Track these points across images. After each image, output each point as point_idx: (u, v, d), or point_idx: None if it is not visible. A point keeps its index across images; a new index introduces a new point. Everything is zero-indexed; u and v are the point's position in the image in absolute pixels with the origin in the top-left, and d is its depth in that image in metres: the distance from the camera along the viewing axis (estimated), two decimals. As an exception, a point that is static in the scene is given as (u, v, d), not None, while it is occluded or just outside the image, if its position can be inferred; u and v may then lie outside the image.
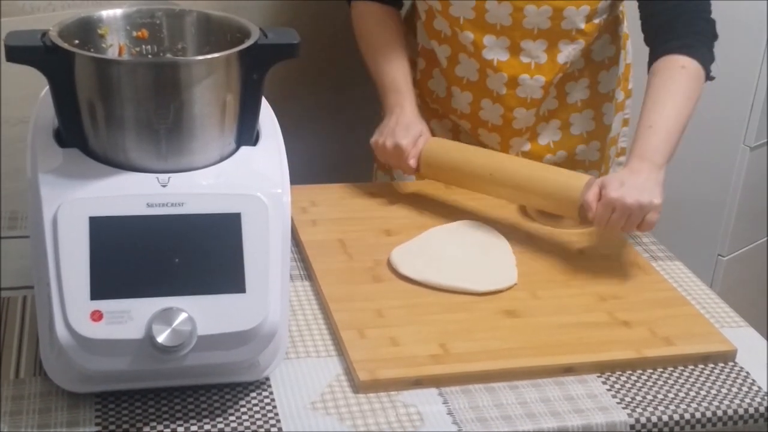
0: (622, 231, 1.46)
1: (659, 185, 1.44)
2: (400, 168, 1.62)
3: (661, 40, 1.58)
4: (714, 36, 1.59)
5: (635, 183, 1.41)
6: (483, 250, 1.50)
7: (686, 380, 1.26)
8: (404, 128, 1.61)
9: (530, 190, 1.51)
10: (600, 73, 1.74)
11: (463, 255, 1.47)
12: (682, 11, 1.57)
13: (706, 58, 1.56)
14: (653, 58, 1.58)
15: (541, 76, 1.65)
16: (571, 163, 1.79)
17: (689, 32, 1.56)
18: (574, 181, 1.47)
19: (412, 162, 1.59)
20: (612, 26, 1.72)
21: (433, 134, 1.78)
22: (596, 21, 1.63)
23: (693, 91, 1.54)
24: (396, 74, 1.68)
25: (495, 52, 1.64)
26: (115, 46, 1.21)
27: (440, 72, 1.75)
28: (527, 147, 1.75)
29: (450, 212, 1.63)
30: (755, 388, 1.25)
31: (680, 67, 1.54)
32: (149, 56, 1.23)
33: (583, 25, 1.62)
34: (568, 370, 1.25)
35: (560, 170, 1.52)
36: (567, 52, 1.64)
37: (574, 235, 1.58)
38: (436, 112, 1.80)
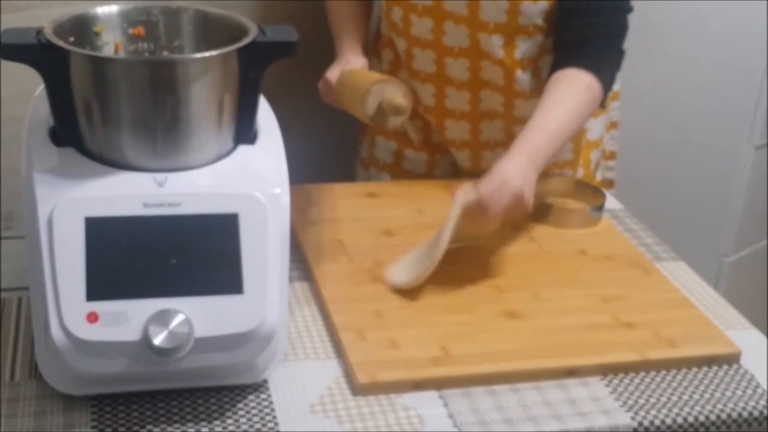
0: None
1: (519, 175, 1.40)
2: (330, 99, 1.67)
3: (574, 54, 1.55)
4: (619, 62, 1.59)
5: (499, 173, 1.39)
6: None
7: (690, 383, 1.25)
8: (336, 64, 1.67)
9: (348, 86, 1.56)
10: None
11: None
12: (597, 35, 1.55)
13: (607, 86, 1.56)
14: (558, 68, 1.56)
15: (500, 68, 1.64)
16: None
17: (601, 56, 1.56)
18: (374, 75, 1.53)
19: (329, 73, 1.65)
20: None
21: (405, 136, 1.81)
22: (549, 10, 1.60)
23: (587, 110, 1.53)
24: (346, 27, 1.73)
25: (455, 39, 1.63)
26: (111, 44, 1.20)
27: (404, 64, 1.74)
28: (501, 136, 1.74)
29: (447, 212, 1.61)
30: (759, 390, 1.24)
31: (587, 86, 1.52)
32: (146, 54, 1.22)
33: (541, 22, 1.60)
34: (571, 372, 1.24)
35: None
36: (524, 49, 1.63)
37: (576, 236, 1.57)
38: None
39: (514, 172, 1.39)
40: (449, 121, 1.74)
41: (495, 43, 1.60)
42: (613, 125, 1.85)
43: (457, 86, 1.68)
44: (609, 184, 1.88)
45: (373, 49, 1.85)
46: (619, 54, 1.58)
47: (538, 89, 1.68)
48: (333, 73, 1.64)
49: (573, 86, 1.52)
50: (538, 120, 1.48)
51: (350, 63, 1.64)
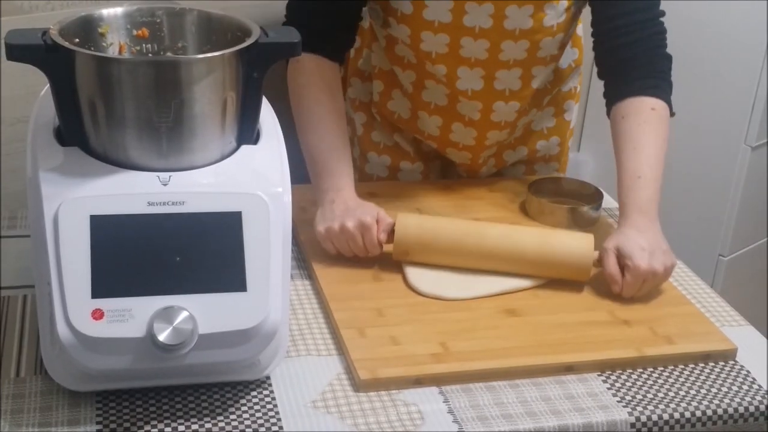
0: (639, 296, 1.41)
1: (664, 240, 1.43)
2: (367, 248, 1.42)
3: (626, 80, 1.54)
4: (670, 70, 1.56)
5: (654, 246, 1.39)
6: None
7: (687, 379, 1.26)
8: (359, 207, 1.44)
9: (539, 262, 1.41)
10: (565, 77, 1.75)
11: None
12: (643, 48, 1.53)
13: (669, 97, 1.54)
14: (617, 98, 1.54)
15: (515, 102, 1.63)
16: (530, 157, 1.80)
17: (652, 72, 1.54)
18: (582, 245, 1.41)
19: (383, 236, 1.42)
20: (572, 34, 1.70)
21: (398, 148, 1.77)
22: (565, 41, 1.62)
23: (666, 133, 1.52)
24: (335, 151, 1.50)
25: (469, 82, 1.60)
26: (115, 45, 1.21)
27: (403, 94, 1.70)
28: (492, 151, 1.74)
29: (449, 212, 1.63)
30: (755, 386, 1.25)
31: (650, 110, 1.51)
32: (149, 55, 1.22)
33: (557, 51, 1.61)
34: (569, 368, 1.25)
35: (563, 233, 1.45)
36: (541, 77, 1.63)
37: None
38: (397, 127, 1.76)
39: (647, 245, 1.38)
40: (451, 150, 1.73)
41: (513, 76, 1.59)
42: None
43: (465, 123, 1.66)
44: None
45: (353, 71, 1.79)
46: (667, 59, 1.55)
47: (537, 97, 1.69)
48: (373, 218, 1.41)
49: (641, 118, 1.50)
50: (632, 171, 1.47)
51: (380, 211, 1.44)
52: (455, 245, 1.41)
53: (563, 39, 1.59)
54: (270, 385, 1.19)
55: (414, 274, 1.41)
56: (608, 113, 1.56)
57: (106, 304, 1.05)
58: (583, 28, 1.71)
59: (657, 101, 1.52)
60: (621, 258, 1.38)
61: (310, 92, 1.53)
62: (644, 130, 1.49)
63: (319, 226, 1.44)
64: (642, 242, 1.38)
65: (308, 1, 1.54)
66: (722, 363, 1.30)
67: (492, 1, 1.49)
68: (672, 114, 1.54)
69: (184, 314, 1.06)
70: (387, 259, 1.45)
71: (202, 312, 1.07)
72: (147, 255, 1.08)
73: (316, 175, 1.49)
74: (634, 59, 1.53)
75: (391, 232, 1.42)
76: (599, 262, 1.41)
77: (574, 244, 1.41)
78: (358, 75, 1.78)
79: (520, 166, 1.82)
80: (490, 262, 1.41)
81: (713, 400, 1.22)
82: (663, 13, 1.55)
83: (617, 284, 1.38)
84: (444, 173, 1.83)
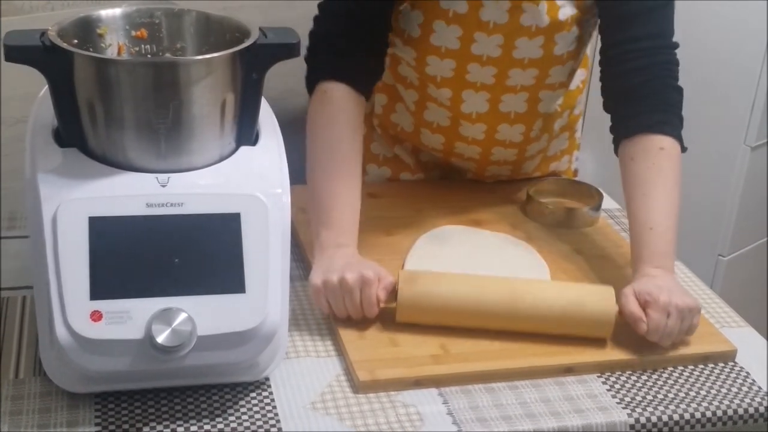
0: (669, 340, 1.29)
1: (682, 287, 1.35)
2: (363, 306, 1.28)
3: (633, 112, 1.44)
4: (681, 104, 1.44)
5: (672, 287, 1.30)
6: (496, 252, 1.50)
7: (686, 380, 1.26)
8: (360, 262, 1.33)
9: (560, 320, 1.28)
10: (574, 99, 1.71)
11: (484, 262, 1.46)
12: (652, 76, 1.43)
13: (679, 132, 1.43)
14: (624, 133, 1.44)
15: (521, 124, 1.60)
16: (542, 175, 1.78)
17: (661, 105, 1.43)
18: (605, 300, 1.29)
19: (383, 294, 1.29)
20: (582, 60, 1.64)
21: (399, 160, 1.74)
22: (575, 66, 1.58)
23: (678, 175, 1.41)
24: (345, 204, 1.40)
25: (474, 106, 1.56)
26: (114, 46, 1.21)
27: (405, 109, 1.66)
28: (507, 173, 1.73)
29: (448, 212, 1.63)
30: (755, 388, 1.25)
31: (659, 149, 1.40)
32: (148, 56, 1.22)
33: (566, 78, 1.57)
34: (568, 370, 1.25)
35: (580, 288, 1.34)
36: (547, 101, 1.59)
37: (573, 235, 1.58)
38: (397, 138, 1.73)
39: (664, 285, 1.30)
40: (456, 159, 1.70)
41: (519, 100, 1.55)
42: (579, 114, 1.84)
43: (469, 142, 1.63)
44: (575, 173, 1.86)
45: None
46: (677, 92, 1.44)
47: (547, 121, 1.65)
48: (374, 274, 1.29)
49: (650, 161, 1.40)
50: (643, 222, 1.37)
51: (381, 270, 1.31)
52: (466, 304, 1.28)
53: (573, 65, 1.56)
54: (269, 386, 1.19)
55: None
56: (615, 150, 1.47)
57: (104, 305, 1.05)
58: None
59: (666, 139, 1.41)
60: (639, 296, 1.29)
61: (333, 127, 1.43)
62: (654, 174, 1.40)
63: (315, 278, 1.30)
64: (659, 283, 1.30)
65: (337, 23, 1.46)
66: (722, 364, 1.30)
67: (502, 33, 1.46)
68: (683, 150, 1.43)
69: (182, 316, 1.06)
70: (387, 261, 1.44)
71: (200, 313, 1.07)
72: (145, 256, 1.08)
73: (320, 222, 1.38)
74: (642, 88, 1.43)
75: (391, 291, 1.29)
76: (619, 312, 1.29)
77: (594, 300, 1.29)
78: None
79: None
80: (503, 322, 1.29)
81: (713, 402, 1.22)
82: (677, 45, 1.45)
83: (642, 320, 1.26)
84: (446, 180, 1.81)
